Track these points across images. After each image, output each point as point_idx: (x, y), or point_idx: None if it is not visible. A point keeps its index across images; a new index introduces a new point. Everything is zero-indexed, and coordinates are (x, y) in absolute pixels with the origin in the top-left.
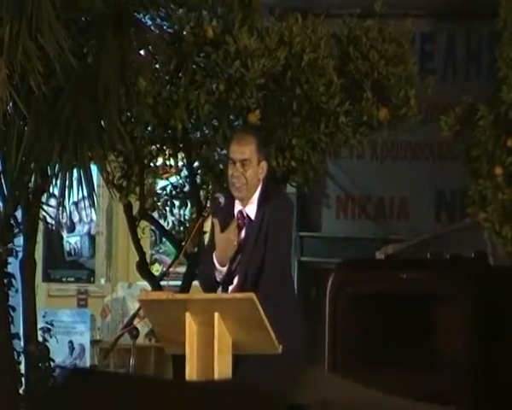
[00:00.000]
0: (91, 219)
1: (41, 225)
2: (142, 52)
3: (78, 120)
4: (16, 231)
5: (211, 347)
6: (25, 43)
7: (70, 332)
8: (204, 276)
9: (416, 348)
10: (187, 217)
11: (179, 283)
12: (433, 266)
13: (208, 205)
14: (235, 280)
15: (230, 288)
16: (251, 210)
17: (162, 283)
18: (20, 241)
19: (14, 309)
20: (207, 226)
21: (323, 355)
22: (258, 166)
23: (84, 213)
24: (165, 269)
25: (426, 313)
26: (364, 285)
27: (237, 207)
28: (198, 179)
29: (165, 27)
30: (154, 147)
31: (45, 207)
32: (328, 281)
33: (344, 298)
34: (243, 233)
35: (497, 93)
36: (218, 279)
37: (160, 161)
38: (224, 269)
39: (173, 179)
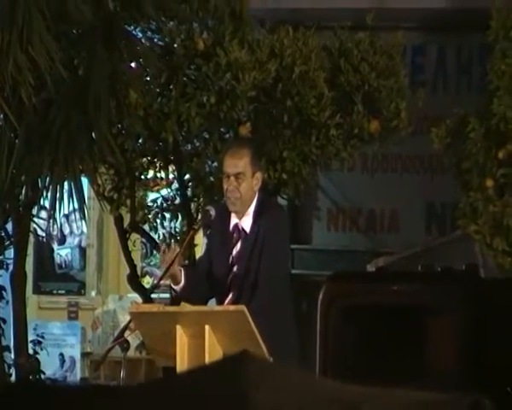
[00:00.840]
0: (82, 232)
1: (32, 238)
2: (132, 64)
3: (69, 132)
4: (7, 243)
5: (201, 359)
6: (15, 54)
7: (61, 345)
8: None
9: (407, 361)
10: (178, 229)
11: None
12: (424, 278)
13: (199, 217)
14: (230, 294)
15: (226, 301)
16: (246, 223)
17: (153, 295)
18: (10, 253)
19: (4, 321)
20: (198, 239)
21: (314, 368)
22: (253, 177)
23: (74, 225)
24: (155, 282)
25: (417, 325)
26: (355, 298)
27: (233, 220)
28: (189, 192)
29: (155, 40)
30: (144, 159)
31: (36, 219)
32: (319, 293)
33: (335, 311)
34: (238, 246)
35: (488, 106)
36: (177, 293)
37: (150, 173)
38: (179, 287)
39: (164, 192)
